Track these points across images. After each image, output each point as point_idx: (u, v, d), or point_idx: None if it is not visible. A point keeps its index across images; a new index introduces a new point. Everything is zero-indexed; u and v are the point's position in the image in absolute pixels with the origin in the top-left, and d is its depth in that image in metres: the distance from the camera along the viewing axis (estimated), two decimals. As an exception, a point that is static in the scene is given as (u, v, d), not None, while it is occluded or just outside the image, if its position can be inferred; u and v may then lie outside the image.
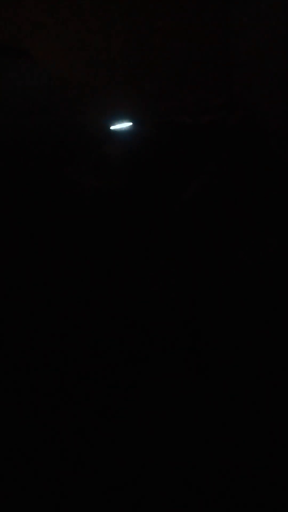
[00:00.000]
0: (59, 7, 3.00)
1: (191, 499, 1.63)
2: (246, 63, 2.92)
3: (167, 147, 2.58)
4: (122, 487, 1.65)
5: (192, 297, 2.13)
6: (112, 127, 2.78)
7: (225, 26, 3.08)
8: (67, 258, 2.23)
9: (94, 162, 2.55)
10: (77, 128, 2.69)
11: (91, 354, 2.00)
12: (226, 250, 2.24)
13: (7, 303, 2.08)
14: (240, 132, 2.59)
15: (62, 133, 2.63)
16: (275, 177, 2.48)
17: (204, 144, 2.58)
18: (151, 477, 1.68)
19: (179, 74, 3.09)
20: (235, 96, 2.96)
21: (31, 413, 1.86)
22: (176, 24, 3.08)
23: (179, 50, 3.09)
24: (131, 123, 2.79)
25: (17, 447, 1.78)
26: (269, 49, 2.65)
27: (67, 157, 2.53)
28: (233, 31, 3.04)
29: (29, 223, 2.30)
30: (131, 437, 1.77)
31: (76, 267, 2.22)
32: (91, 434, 1.79)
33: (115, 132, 2.75)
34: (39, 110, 2.70)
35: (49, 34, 2.98)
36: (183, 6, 3.07)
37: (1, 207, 2.33)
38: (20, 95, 2.69)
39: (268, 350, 1.99)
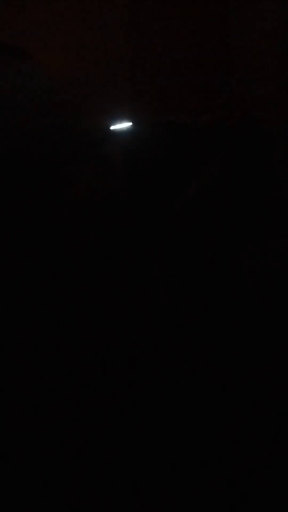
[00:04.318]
0: (59, 7, 2.99)
1: (190, 499, 1.62)
2: (246, 63, 2.92)
3: (166, 147, 2.57)
4: (121, 488, 1.64)
5: (193, 298, 2.13)
6: (111, 127, 2.78)
7: (225, 26, 3.07)
8: (66, 258, 2.23)
9: (93, 162, 2.54)
10: (76, 128, 2.69)
11: (90, 356, 1.99)
12: (227, 251, 2.23)
13: (6, 304, 2.08)
14: (240, 132, 2.59)
15: (61, 133, 2.62)
16: (275, 177, 2.48)
17: (204, 144, 2.57)
18: (150, 477, 1.67)
19: (179, 73, 3.08)
20: (235, 96, 2.95)
21: (30, 413, 1.85)
22: (176, 24, 3.08)
23: (178, 50, 3.08)
24: (130, 123, 2.79)
25: (17, 447, 1.77)
26: (269, 49, 2.64)
27: (66, 157, 2.52)
28: (233, 31, 3.04)
29: (28, 223, 2.30)
30: (130, 440, 1.76)
31: (75, 267, 2.21)
32: (90, 435, 1.78)
33: (115, 132, 2.75)
34: (38, 110, 2.70)
35: (49, 34, 2.98)
36: (183, 5, 3.07)
37: (0, 207, 2.33)
38: (19, 95, 2.68)
39: (270, 353, 1.98)
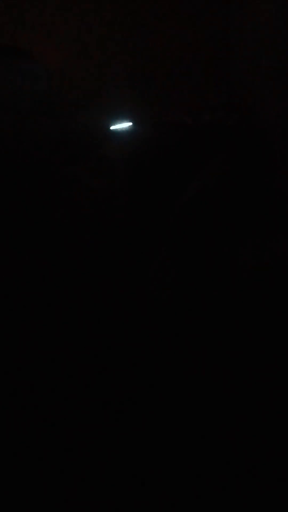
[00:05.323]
0: (59, 7, 3.00)
1: (190, 500, 1.62)
2: (245, 63, 2.92)
3: (167, 147, 2.58)
4: (121, 490, 1.64)
5: (192, 297, 2.13)
6: (112, 127, 2.78)
7: (225, 26, 3.07)
8: (66, 258, 2.23)
9: (94, 162, 2.55)
10: (77, 129, 2.69)
11: (90, 353, 1.99)
12: (227, 251, 2.24)
13: (6, 303, 2.08)
14: (240, 132, 2.59)
15: (62, 134, 2.63)
16: (275, 177, 2.48)
17: (204, 144, 2.57)
18: (150, 477, 1.67)
19: (179, 74, 3.09)
20: (235, 96, 2.96)
21: (30, 413, 1.85)
22: (176, 24, 3.08)
23: (179, 50, 3.09)
24: (131, 123, 2.79)
25: (17, 447, 1.77)
26: (269, 49, 2.64)
27: (67, 158, 2.53)
28: (233, 31, 3.04)
29: (29, 223, 2.30)
30: (130, 439, 1.76)
31: (75, 267, 2.21)
32: (90, 434, 1.78)
33: (115, 132, 2.75)
34: (39, 110, 2.70)
35: (49, 34, 2.98)
36: (183, 6, 3.07)
37: (0, 208, 2.33)
38: (20, 95, 2.69)
39: (269, 350, 1.98)
